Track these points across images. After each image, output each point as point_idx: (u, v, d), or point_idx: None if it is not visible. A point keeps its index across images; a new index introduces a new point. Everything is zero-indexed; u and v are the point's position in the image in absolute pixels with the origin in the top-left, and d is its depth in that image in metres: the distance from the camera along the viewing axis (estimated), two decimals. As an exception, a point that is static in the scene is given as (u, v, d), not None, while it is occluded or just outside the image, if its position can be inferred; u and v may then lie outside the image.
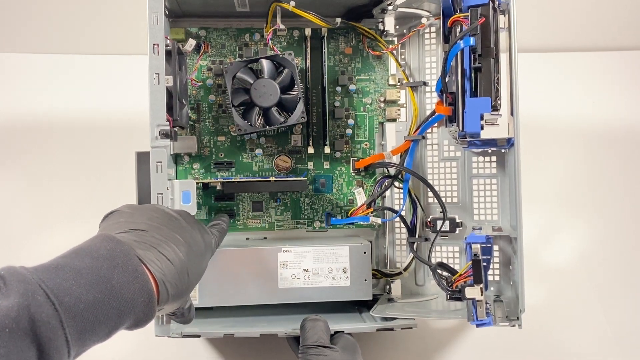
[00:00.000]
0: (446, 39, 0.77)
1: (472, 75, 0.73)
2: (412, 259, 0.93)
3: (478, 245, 0.72)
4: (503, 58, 0.77)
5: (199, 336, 0.79)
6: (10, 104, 1.06)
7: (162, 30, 0.75)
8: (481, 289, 0.70)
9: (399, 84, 0.96)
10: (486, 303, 0.75)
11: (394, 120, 0.96)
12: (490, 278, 0.90)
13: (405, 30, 0.95)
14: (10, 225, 1.04)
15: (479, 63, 0.72)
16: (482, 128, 0.73)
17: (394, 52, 0.95)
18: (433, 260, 0.93)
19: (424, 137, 0.92)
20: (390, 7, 0.90)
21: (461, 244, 0.92)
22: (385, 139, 0.97)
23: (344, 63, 0.96)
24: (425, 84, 0.94)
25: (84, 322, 0.50)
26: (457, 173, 0.93)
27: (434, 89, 0.94)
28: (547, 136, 1.08)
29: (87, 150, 1.04)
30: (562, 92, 1.11)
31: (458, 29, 0.74)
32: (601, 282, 1.04)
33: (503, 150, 0.86)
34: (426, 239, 0.92)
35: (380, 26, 0.96)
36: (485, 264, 0.77)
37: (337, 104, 0.95)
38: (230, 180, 0.85)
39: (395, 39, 0.96)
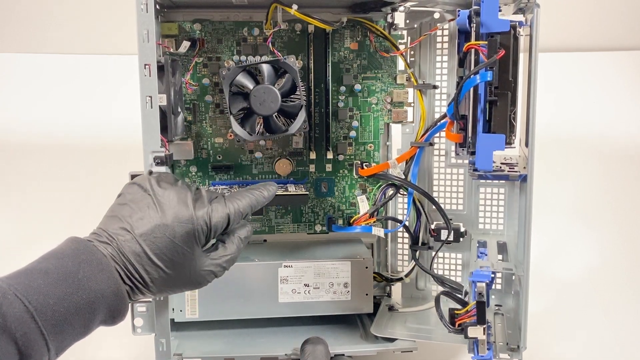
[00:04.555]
0: (461, 63, 0.71)
1: (487, 105, 0.68)
2: (414, 266, 0.92)
3: (483, 284, 0.70)
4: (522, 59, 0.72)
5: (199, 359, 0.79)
6: None
7: (154, 49, 0.69)
8: (484, 329, 0.70)
9: (406, 82, 0.90)
10: (488, 327, 0.74)
11: (400, 122, 0.91)
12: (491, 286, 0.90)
13: (415, 25, 0.88)
14: None
15: (495, 96, 0.67)
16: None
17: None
18: (435, 269, 0.92)
19: (431, 144, 0.88)
20: (401, 8, 0.83)
21: (465, 255, 0.91)
22: (390, 139, 0.93)
23: (349, 60, 0.89)
24: (435, 87, 0.88)
25: (56, 315, 0.54)
26: (464, 180, 0.90)
27: (444, 91, 0.89)
28: (554, 143, 1.03)
29: (84, 165, 1.00)
30: (570, 96, 1.05)
31: (473, 54, 0.68)
32: (608, 296, 1.03)
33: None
34: (429, 247, 0.91)
35: (389, 19, 0.89)
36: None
37: (340, 104, 0.90)
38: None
39: (405, 32, 0.90)
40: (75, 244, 0.59)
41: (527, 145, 0.71)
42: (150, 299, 0.73)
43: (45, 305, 0.53)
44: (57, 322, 0.54)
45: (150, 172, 0.68)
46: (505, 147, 0.68)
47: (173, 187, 0.64)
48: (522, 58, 0.75)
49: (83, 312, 0.56)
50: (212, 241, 0.67)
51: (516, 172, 0.73)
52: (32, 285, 0.54)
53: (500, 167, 0.76)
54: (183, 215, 0.62)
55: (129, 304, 0.62)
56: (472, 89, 0.68)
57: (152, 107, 0.70)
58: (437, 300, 0.76)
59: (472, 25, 0.68)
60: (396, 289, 0.95)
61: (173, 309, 0.83)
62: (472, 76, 0.65)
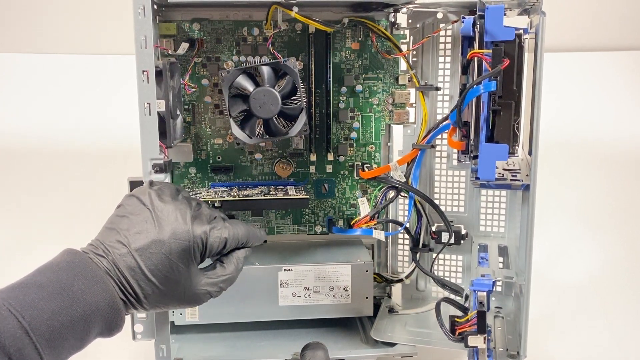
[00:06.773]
0: (464, 69, 0.70)
1: (490, 114, 0.67)
2: (414, 268, 0.92)
3: (484, 294, 0.70)
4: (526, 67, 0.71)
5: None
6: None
7: (152, 55, 0.68)
8: (484, 337, 0.69)
9: (408, 82, 0.89)
10: (488, 333, 0.74)
11: (401, 123, 0.90)
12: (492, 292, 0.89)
13: (418, 25, 0.87)
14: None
15: (498, 105, 0.66)
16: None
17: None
18: (436, 270, 0.92)
19: (432, 146, 0.87)
20: (404, 10, 0.81)
21: (466, 257, 0.91)
22: (392, 140, 0.92)
23: (350, 60, 0.88)
24: (437, 89, 0.87)
25: (50, 330, 0.53)
26: (465, 182, 0.89)
27: (446, 92, 0.88)
28: (556, 147, 1.02)
29: (82, 166, 0.99)
30: (571, 96, 1.04)
31: (476, 62, 0.67)
32: (611, 301, 1.03)
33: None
34: (430, 250, 0.90)
35: (391, 18, 0.87)
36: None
37: (341, 105, 0.89)
38: (229, 199, 0.81)
39: (407, 31, 0.88)
40: (71, 256, 0.59)
41: (530, 153, 0.71)
42: None
43: (39, 320, 0.53)
44: (52, 336, 0.53)
45: (151, 182, 0.67)
46: (509, 157, 0.67)
47: (173, 202, 0.63)
48: (526, 58, 0.74)
49: (78, 325, 0.56)
50: (209, 261, 0.67)
51: (519, 180, 0.72)
52: (26, 300, 0.53)
53: (503, 174, 0.75)
54: (180, 231, 0.61)
55: (125, 316, 0.62)
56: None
57: (150, 114, 0.69)
58: (437, 307, 0.76)
59: (475, 29, 0.67)
60: (396, 290, 0.95)
61: (173, 312, 0.83)
62: (475, 86, 0.63)
